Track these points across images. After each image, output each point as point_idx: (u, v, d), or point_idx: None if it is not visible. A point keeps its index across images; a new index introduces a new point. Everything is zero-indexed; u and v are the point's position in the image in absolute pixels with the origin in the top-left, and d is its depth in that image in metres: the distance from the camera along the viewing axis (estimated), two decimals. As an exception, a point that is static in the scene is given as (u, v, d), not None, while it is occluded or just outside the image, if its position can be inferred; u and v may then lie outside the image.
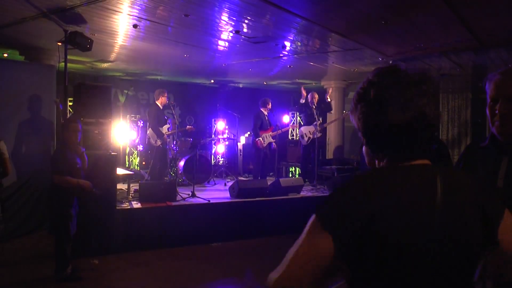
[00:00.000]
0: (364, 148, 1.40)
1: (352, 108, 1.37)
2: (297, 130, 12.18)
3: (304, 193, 8.63)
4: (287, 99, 14.75)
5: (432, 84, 1.29)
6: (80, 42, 6.61)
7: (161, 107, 9.17)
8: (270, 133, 9.81)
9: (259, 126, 9.78)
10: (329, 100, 9.97)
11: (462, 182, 1.28)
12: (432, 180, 1.23)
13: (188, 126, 10.19)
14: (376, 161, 1.37)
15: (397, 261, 1.19)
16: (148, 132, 9.16)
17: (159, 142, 8.99)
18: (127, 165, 11.18)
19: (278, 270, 1.22)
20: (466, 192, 1.27)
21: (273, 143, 9.90)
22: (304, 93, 9.75)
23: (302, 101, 9.79)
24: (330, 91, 10.14)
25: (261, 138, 9.68)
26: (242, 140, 12.48)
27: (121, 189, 7.57)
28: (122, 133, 10.49)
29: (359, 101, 1.33)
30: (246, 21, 6.29)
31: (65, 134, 5.29)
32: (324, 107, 10.02)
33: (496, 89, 1.94)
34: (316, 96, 9.77)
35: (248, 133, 11.84)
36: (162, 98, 9.09)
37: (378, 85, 1.29)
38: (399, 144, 1.27)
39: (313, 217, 1.23)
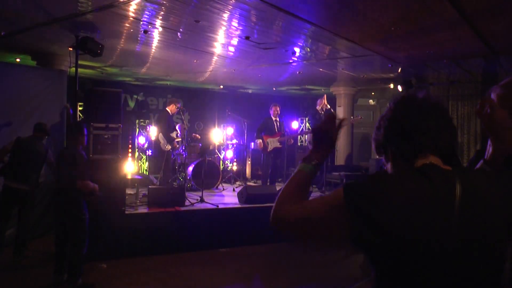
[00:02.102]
0: (389, 164, 1.48)
1: (376, 131, 1.50)
2: (306, 136, 12.16)
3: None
4: (296, 105, 14.75)
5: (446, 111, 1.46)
6: (91, 48, 6.67)
7: (171, 114, 9.32)
8: (278, 138, 9.78)
9: (262, 130, 9.78)
10: (319, 109, 9.78)
11: (483, 185, 1.32)
12: (451, 184, 1.28)
13: (193, 134, 10.24)
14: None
15: (415, 262, 1.24)
16: (158, 137, 9.24)
17: (169, 147, 9.06)
18: (136, 170, 11.23)
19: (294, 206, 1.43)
20: (488, 194, 1.30)
21: (278, 147, 9.84)
22: (324, 101, 9.62)
23: (318, 107, 9.71)
24: (324, 100, 9.89)
25: (260, 141, 9.66)
26: (251, 145, 12.48)
27: (130, 194, 7.60)
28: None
29: (383, 119, 1.47)
30: (256, 27, 6.31)
31: (82, 138, 5.21)
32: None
33: (500, 102, 1.93)
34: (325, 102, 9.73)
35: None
36: (173, 106, 9.33)
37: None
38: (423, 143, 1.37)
39: (340, 191, 1.34)
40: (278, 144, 9.75)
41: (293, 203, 1.45)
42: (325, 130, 1.62)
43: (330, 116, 1.67)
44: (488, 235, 1.25)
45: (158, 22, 6.16)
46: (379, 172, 1.42)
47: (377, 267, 1.32)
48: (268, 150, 9.70)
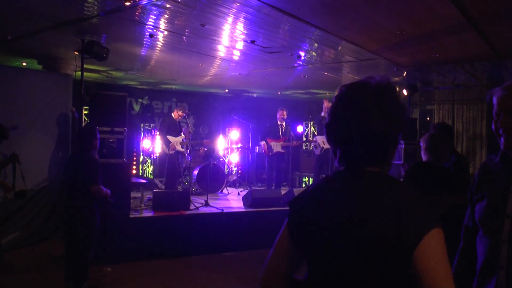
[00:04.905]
0: None
1: None
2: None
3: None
4: (301, 109, 14.72)
5: (384, 96, 1.41)
6: (97, 52, 6.68)
7: (174, 119, 9.39)
8: (282, 143, 9.77)
9: (267, 133, 9.82)
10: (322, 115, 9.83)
11: (388, 196, 1.32)
12: (356, 189, 1.38)
13: (205, 140, 10.25)
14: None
15: (316, 259, 1.43)
16: (159, 139, 9.32)
17: (171, 151, 9.11)
18: (140, 174, 11.24)
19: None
20: (388, 206, 1.30)
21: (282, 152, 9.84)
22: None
23: (323, 114, 9.72)
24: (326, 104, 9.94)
25: (264, 143, 9.69)
26: (256, 149, 12.48)
27: (135, 198, 7.60)
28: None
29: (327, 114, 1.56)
30: (261, 31, 6.31)
31: (95, 142, 5.01)
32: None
33: (498, 103, 1.91)
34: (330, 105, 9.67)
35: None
36: (176, 112, 9.40)
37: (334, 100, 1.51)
38: (345, 152, 1.43)
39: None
40: (280, 149, 9.75)
41: None
42: None
43: None
44: (375, 236, 1.28)
45: (163, 26, 6.18)
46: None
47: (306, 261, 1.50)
48: (271, 153, 9.71)
